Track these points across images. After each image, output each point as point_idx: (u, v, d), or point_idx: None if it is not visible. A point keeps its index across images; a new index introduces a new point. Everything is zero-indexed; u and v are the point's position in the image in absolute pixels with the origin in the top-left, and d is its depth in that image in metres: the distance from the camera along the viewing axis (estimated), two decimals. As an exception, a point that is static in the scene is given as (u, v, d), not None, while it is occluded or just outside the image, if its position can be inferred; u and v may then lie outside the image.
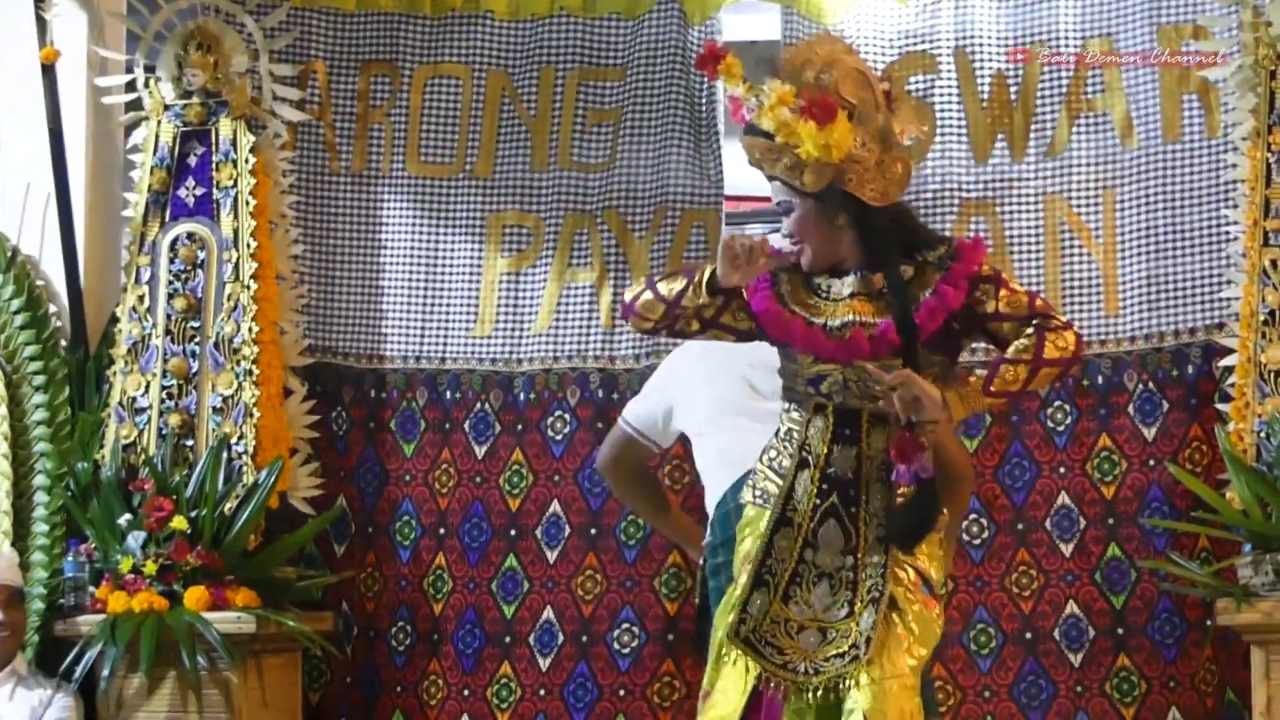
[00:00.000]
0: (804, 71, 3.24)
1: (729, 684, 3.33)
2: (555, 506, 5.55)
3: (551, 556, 5.55)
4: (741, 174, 5.56)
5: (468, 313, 5.72)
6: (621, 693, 5.49)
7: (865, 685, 3.32)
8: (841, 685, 3.25)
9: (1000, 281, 3.32)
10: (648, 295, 3.44)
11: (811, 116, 3.18)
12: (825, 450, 3.27)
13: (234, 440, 5.42)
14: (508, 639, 5.58)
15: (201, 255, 5.57)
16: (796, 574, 3.27)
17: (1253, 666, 4.84)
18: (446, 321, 5.74)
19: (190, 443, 5.49)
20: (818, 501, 3.26)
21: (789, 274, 3.42)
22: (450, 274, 5.75)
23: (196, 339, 5.53)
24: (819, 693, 3.24)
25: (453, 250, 5.73)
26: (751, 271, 3.27)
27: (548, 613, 5.56)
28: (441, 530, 5.63)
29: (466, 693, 5.60)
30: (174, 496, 5.33)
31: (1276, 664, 4.89)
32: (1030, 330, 3.27)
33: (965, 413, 3.29)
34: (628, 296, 3.52)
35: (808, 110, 3.19)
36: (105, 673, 5.27)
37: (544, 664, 5.53)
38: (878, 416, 3.24)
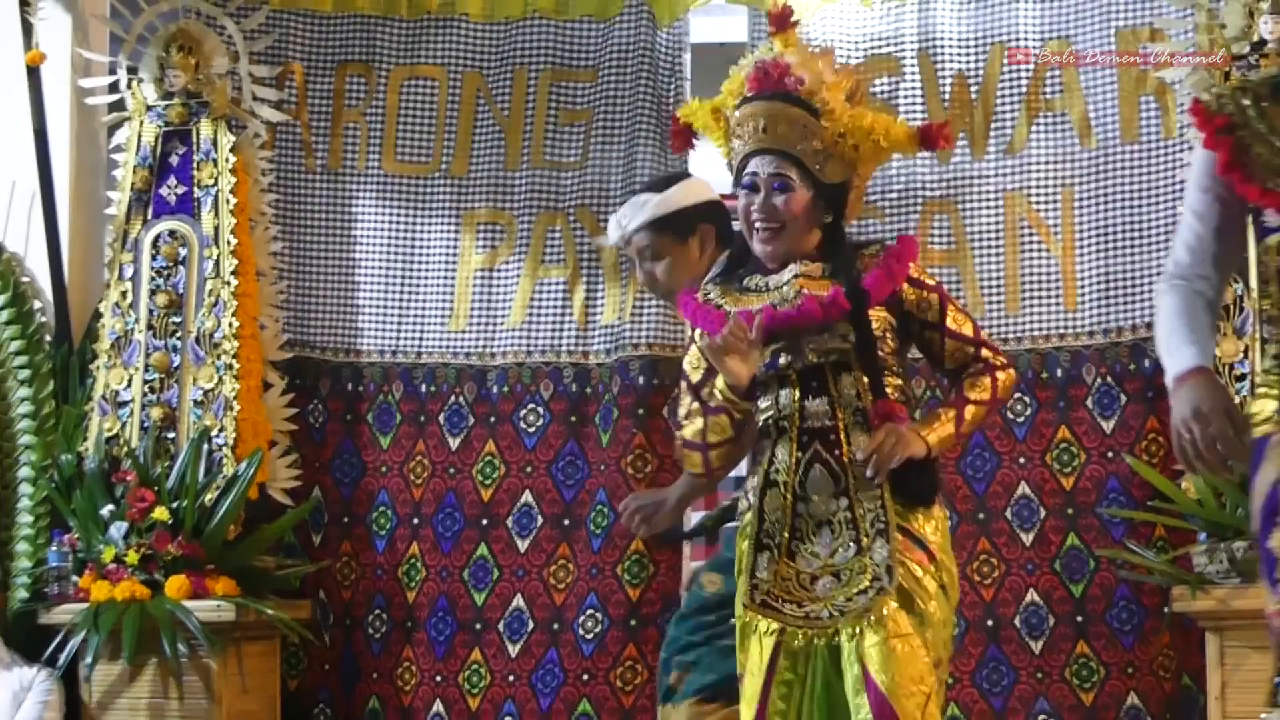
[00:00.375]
0: (845, 71, 3.30)
1: (754, 663, 3.30)
2: (527, 497, 5.54)
3: (522, 546, 5.53)
4: (704, 173, 5.63)
5: (443, 308, 5.68)
6: (585, 677, 5.43)
7: (871, 647, 3.27)
8: (846, 645, 3.20)
9: (945, 297, 3.33)
10: (697, 455, 3.39)
11: (945, 140, 3.27)
12: (798, 408, 3.25)
13: (214, 433, 5.38)
14: (478, 626, 5.54)
15: (183, 252, 5.57)
16: (795, 529, 3.25)
17: (1208, 652, 4.83)
18: (422, 316, 5.71)
19: (172, 435, 5.49)
20: (799, 454, 3.25)
21: (716, 285, 3.37)
22: (425, 270, 5.71)
23: (178, 334, 5.52)
24: (844, 634, 3.18)
25: (428, 247, 5.71)
26: (754, 356, 3.21)
27: (517, 600, 5.55)
28: (415, 520, 5.59)
29: (439, 679, 5.57)
30: (156, 488, 5.35)
31: (1230, 650, 4.87)
32: (980, 366, 3.32)
33: (937, 451, 3.28)
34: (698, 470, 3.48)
35: (937, 130, 3.26)
36: (88, 660, 5.26)
37: (513, 650, 5.50)
38: (840, 365, 3.25)
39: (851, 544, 3.21)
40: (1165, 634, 5.05)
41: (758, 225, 3.25)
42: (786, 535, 3.24)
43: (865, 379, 3.22)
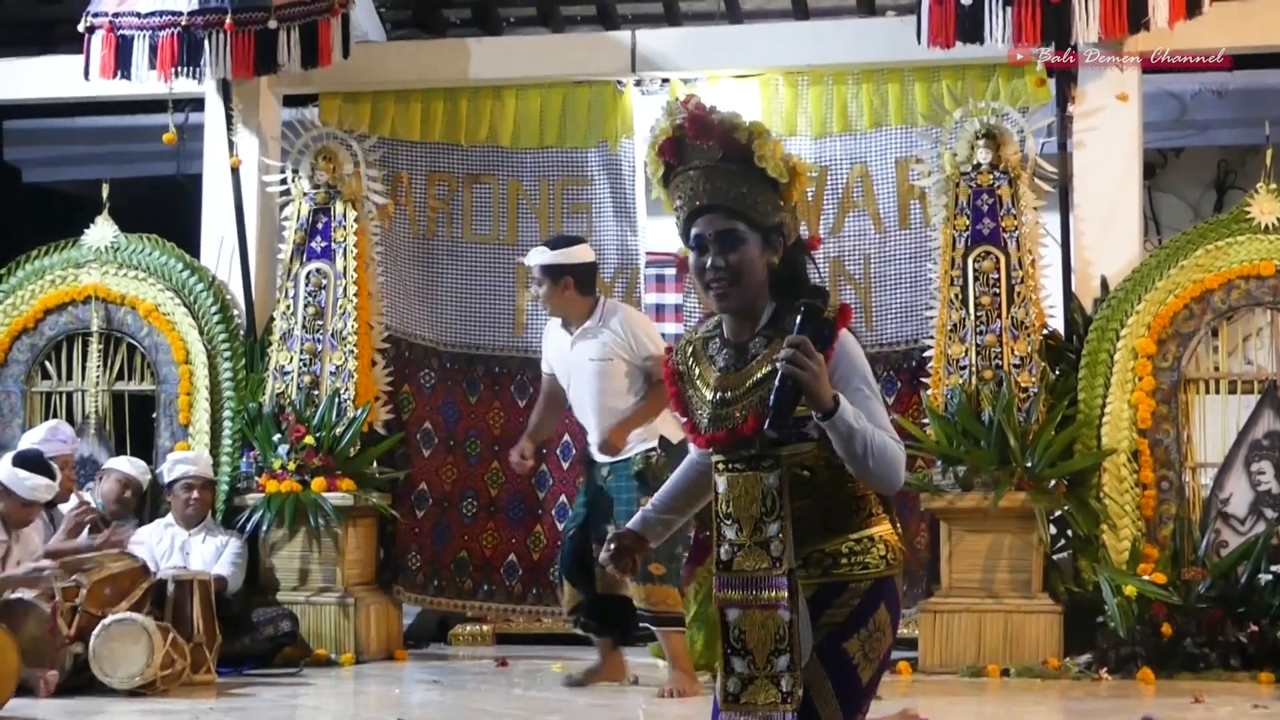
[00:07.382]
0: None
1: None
2: (567, 437, 7.12)
3: (565, 465, 7.12)
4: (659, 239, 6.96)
5: (508, 321, 7.20)
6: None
7: None
8: None
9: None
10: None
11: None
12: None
13: (342, 392, 6.91)
14: (539, 511, 7.13)
15: (324, 282, 6.99)
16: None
17: (940, 532, 6.58)
18: (493, 325, 7.26)
19: (317, 392, 6.95)
20: None
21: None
22: (494, 298, 7.25)
23: (320, 331, 7.00)
24: None
25: (494, 283, 7.36)
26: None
27: (563, 498, 7.07)
28: (496, 447, 7.18)
29: (513, 541, 7.15)
30: (306, 424, 6.84)
31: (954, 531, 6.58)
32: None
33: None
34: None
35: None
36: (263, 528, 6.81)
37: (561, 527, 6.81)
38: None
39: None
40: (923, 521, 6.63)
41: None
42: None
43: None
